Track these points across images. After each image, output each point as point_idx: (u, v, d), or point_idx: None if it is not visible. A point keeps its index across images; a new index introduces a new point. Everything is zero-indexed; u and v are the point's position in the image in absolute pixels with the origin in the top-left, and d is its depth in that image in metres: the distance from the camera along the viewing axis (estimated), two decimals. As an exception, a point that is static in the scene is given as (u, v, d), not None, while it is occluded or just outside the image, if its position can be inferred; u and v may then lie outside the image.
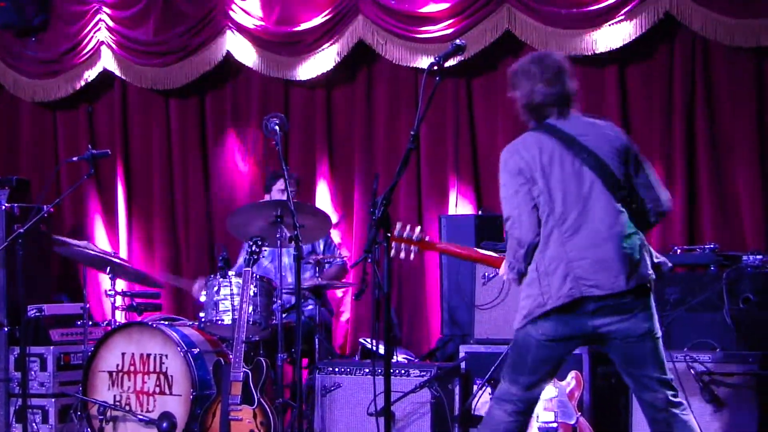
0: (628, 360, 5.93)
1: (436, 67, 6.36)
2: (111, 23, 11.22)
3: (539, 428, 7.37)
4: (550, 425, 7.33)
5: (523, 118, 6.20)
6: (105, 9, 11.23)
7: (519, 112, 6.21)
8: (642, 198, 6.00)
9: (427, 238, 6.59)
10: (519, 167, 5.97)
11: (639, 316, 5.81)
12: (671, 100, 9.32)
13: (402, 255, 6.54)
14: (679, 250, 8.42)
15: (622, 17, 9.15)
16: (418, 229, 6.57)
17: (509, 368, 6.04)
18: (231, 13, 10.60)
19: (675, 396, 5.88)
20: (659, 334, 5.87)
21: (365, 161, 10.31)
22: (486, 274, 8.24)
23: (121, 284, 9.50)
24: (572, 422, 7.33)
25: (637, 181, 6.00)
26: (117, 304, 9.34)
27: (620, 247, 5.78)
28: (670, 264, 5.97)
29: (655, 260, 5.90)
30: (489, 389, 7.92)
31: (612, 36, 9.21)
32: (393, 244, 6.45)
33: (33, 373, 9.72)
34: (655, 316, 5.86)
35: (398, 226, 6.53)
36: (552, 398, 7.37)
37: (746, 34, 8.82)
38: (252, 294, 8.46)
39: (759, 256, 7.98)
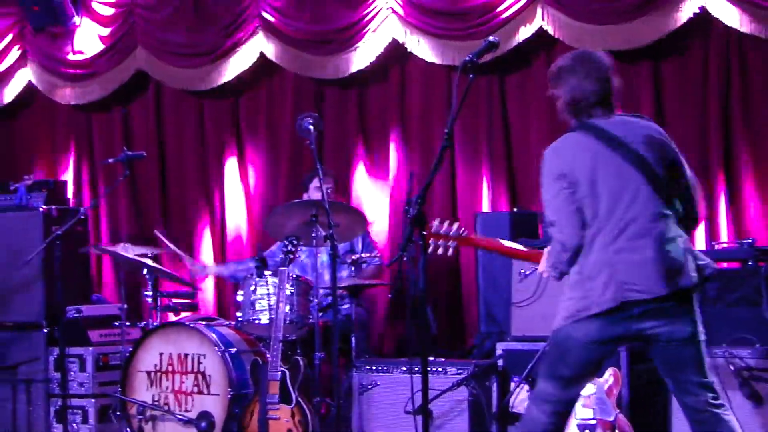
0: (670, 363, 5.88)
1: (469, 65, 6.33)
2: (144, 25, 11.20)
3: (578, 425, 7.33)
4: (589, 422, 7.29)
5: (563, 117, 6.11)
6: (138, 11, 11.21)
7: (560, 111, 6.11)
8: (684, 201, 5.93)
9: (465, 234, 6.47)
10: (561, 170, 5.86)
11: (682, 320, 5.76)
12: (706, 94, 9.22)
13: (440, 251, 6.43)
14: (716, 246, 8.35)
15: (656, 12, 9.09)
16: (456, 225, 6.47)
17: (548, 368, 5.96)
18: (263, 13, 10.57)
19: (716, 398, 5.83)
20: (702, 337, 5.82)
21: (400, 160, 10.27)
22: (522, 271, 8.19)
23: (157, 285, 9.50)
24: (611, 419, 7.30)
25: (679, 184, 5.92)
26: (154, 305, 9.35)
27: (664, 251, 5.70)
28: (714, 267, 5.87)
29: (699, 263, 5.81)
30: (526, 387, 7.87)
31: (645, 31, 9.13)
32: (431, 240, 6.38)
33: (72, 373, 9.76)
34: (699, 320, 5.80)
35: (436, 222, 6.45)
36: (590, 395, 7.32)
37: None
38: (288, 293, 8.45)
39: None
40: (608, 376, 7.38)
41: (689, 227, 5.98)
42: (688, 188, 5.94)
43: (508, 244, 6.73)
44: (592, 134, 5.89)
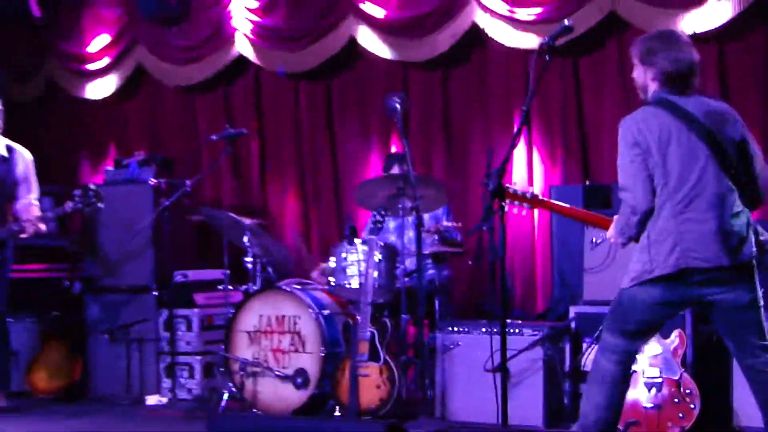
0: (732, 327, 5.92)
1: (546, 47, 6.36)
2: (245, 12, 11.25)
3: (645, 383, 7.35)
4: (656, 380, 7.32)
5: (644, 92, 6.17)
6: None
7: (641, 86, 6.18)
8: (754, 178, 5.93)
9: (538, 196, 6.57)
10: (636, 139, 5.90)
11: (743, 287, 5.78)
12: (767, 68, 9.18)
13: (515, 211, 6.59)
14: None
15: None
16: (531, 188, 6.70)
17: (615, 323, 6.05)
18: (354, 0, 10.58)
19: None
20: (761, 303, 5.82)
21: (480, 136, 10.27)
22: (594, 240, 8.19)
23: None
24: (676, 377, 7.31)
25: (749, 162, 5.93)
26: (254, 271, 9.43)
27: (728, 224, 5.74)
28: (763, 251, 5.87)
29: (761, 238, 5.84)
30: (597, 347, 7.88)
31: (714, 15, 9.04)
32: (508, 200, 6.48)
33: (180, 333, 9.91)
34: (758, 288, 5.81)
35: (514, 184, 6.58)
36: (657, 355, 7.35)
37: None
38: (377, 260, 8.48)
39: None
40: (674, 338, 7.39)
41: (761, 200, 6.01)
42: (754, 170, 5.92)
43: (577, 209, 6.77)
44: (668, 109, 5.92)
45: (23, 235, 9.30)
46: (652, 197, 5.86)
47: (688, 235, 5.78)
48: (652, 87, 6.11)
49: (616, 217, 6.10)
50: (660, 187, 5.87)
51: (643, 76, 6.16)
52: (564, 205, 6.91)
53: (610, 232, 6.20)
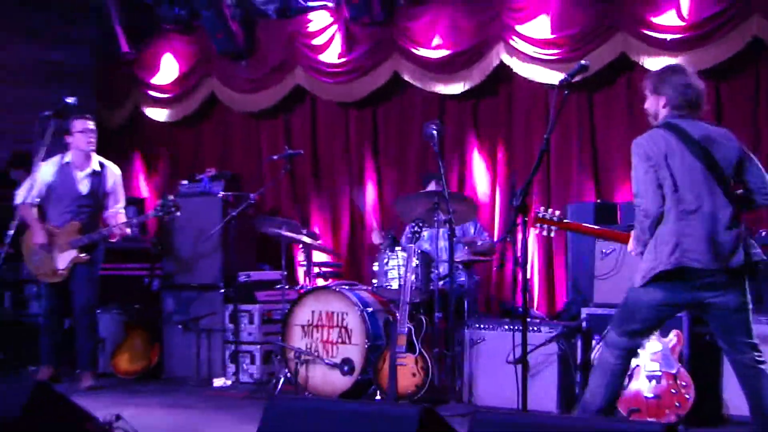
0: (723, 327, 5.98)
1: (564, 83, 6.39)
2: (305, 49, 11.26)
3: (646, 376, 7.32)
4: (655, 373, 7.31)
5: (653, 120, 6.26)
6: (300, 38, 11.29)
7: (652, 113, 6.28)
8: (751, 185, 6.03)
9: (565, 220, 6.67)
10: (648, 154, 6.00)
11: (734, 292, 5.86)
12: (757, 101, 9.13)
13: (544, 233, 6.66)
14: (764, 233, 8.26)
15: (717, 40, 8.97)
16: (557, 212, 6.64)
17: (620, 322, 6.11)
18: (398, 40, 10.58)
19: (760, 356, 5.93)
20: (750, 306, 5.91)
21: (506, 159, 10.23)
22: (604, 251, 8.16)
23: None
24: (673, 371, 7.30)
25: (746, 174, 6.02)
26: (307, 273, 9.44)
27: (721, 236, 5.82)
28: (761, 256, 5.95)
29: (751, 251, 5.90)
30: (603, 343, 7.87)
31: (708, 57, 9.01)
32: (537, 224, 6.62)
33: (243, 325, 9.91)
34: (748, 293, 5.89)
35: (542, 209, 6.65)
36: (657, 352, 7.34)
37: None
38: (414, 265, 8.47)
39: None
40: (672, 337, 7.37)
41: (759, 202, 6.08)
42: (758, 175, 6.04)
43: (599, 228, 6.81)
44: (674, 132, 6.01)
45: (111, 239, 9.40)
46: (662, 203, 5.94)
47: (688, 238, 5.87)
48: (663, 113, 6.20)
49: (633, 231, 6.16)
50: (668, 196, 5.95)
51: (655, 105, 6.25)
52: (587, 225, 7.08)
53: (631, 245, 6.26)
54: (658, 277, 5.90)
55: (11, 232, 9.05)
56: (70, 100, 9.59)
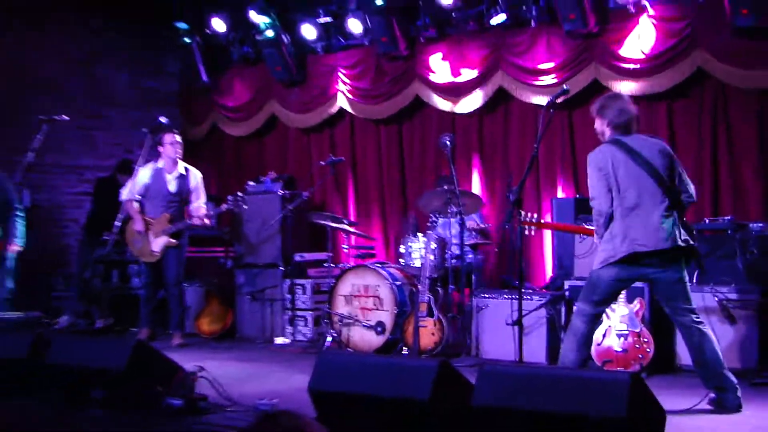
0: (666, 296, 6.13)
1: (550, 104, 6.48)
2: (344, 78, 11.26)
3: (616, 334, 7.32)
4: (624, 332, 7.32)
5: (602, 135, 6.38)
6: (341, 69, 11.28)
7: (600, 132, 6.39)
8: (680, 190, 6.14)
9: (542, 221, 7.08)
10: (599, 165, 6.15)
11: (673, 268, 6.01)
12: (701, 119, 9.09)
13: (527, 232, 6.97)
14: (708, 220, 8.24)
15: (669, 70, 8.96)
16: (535, 215, 6.99)
17: (586, 294, 6.22)
18: (418, 71, 10.58)
19: (698, 317, 6.10)
20: (687, 279, 6.08)
21: (504, 163, 10.23)
22: (581, 237, 8.15)
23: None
24: (637, 330, 7.33)
25: (676, 179, 6.14)
26: (349, 253, 9.45)
27: (659, 224, 5.96)
28: (692, 242, 6.09)
29: (683, 237, 6.03)
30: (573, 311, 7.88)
31: (663, 82, 9.02)
32: (524, 225, 6.94)
33: (298, 295, 9.92)
34: (684, 269, 6.06)
35: (523, 214, 6.93)
36: (624, 315, 7.35)
37: (749, 80, 8.59)
38: (432, 248, 8.49)
39: (760, 224, 7.90)
40: (636, 303, 7.38)
41: (686, 206, 6.21)
42: (684, 182, 6.19)
43: (569, 225, 6.92)
44: (618, 146, 6.16)
45: (194, 226, 9.48)
46: (611, 204, 6.08)
47: (633, 229, 6.00)
48: (607, 132, 6.32)
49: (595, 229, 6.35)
50: (615, 198, 6.08)
51: (601, 125, 6.38)
52: (559, 224, 7.63)
53: (596, 238, 6.37)
54: (614, 262, 6.04)
55: (118, 223, 9.13)
56: (162, 119, 9.68)
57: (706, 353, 6.04)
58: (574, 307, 6.43)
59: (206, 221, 9.60)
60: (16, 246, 9.15)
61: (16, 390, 6.33)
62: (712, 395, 6.03)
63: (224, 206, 9.48)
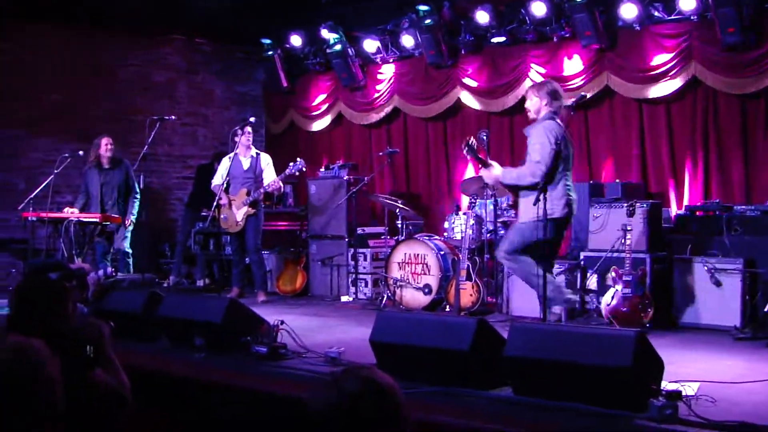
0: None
1: (572, 106, 6.44)
2: (399, 83, 11.25)
3: (622, 296, 7.19)
4: (628, 295, 7.17)
5: (534, 114, 6.73)
6: (397, 76, 11.28)
7: (536, 108, 6.71)
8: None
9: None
10: (556, 137, 6.41)
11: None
12: (695, 120, 8.95)
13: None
14: (700, 203, 8.14)
15: (669, 78, 8.83)
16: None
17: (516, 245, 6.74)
18: (460, 77, 10.53)
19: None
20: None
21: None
22: (595, 215, 8.04)
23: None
24: (640, 294, 7.18)
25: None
26: (402, 227, 9.45)
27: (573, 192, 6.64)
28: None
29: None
30: (595, 276, 7.76)
31: (664, 89, 8.89)
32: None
33: (360, 261, 9.89)
34: None
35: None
36: (629, 280, 7.19)
37: (735, 86, 8.47)
38: (471, 224, 8.44)
39: (743, 207, 7.81)
40: (639, 269, 7.24)
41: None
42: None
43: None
44: (558, 123, 6.54)
45: (269, 191, 9.60)
46: (551, 168, 6.38)
47: (571, 197, 6.48)
48: (544, 110, 6.59)
49: (510, 168, 6.75)
50: (561, 168, 6.39)
51: (538, 104, 6.65)
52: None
53: (498, 170, 6.75)
54: (551, 219, 6.28)
55: (215, 203, 9.22)
56: (251, 118, 9.72)
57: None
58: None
59: (276, 186, 9.51)
60: (129, 221, 9.39)
61: (134, 338, 6.45)
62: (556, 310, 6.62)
63: (287, 170, 9.44)
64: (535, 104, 6.69)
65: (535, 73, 9.80)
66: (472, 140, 6.82)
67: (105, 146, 9.51)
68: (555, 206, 6.40)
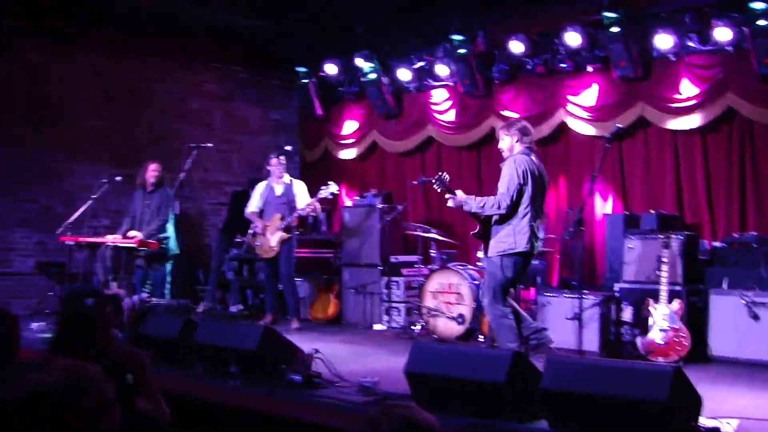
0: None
1: (609, 136, 6.47)
2: (434, 112, 11.30)
3: (659, 330, 7.16)
4: (665, 328, 7.13)
5: (508, 153, 6.73)
6: (431, 105, 11.32)
7: (509, 147, 6.72)
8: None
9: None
10: (525, 172, 6.50)
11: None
12: (730, 150, 8.92)
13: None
14: (736, 235, 8.09)
15: (704, 108, 8.83)
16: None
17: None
18: (494, 107, 10.57)
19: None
20: None
21: (565, 185, 10.21)
22: (629, 246, 8.00)
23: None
24: (677, 327, 7.14)
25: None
26: (436, 256, 9.44)
27: (539, 231, 6.62)
28: None
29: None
30: (630, 308, 7.72)
31: (699, 119, 8.89)
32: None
33: (393, 290, 9.86)
34: None
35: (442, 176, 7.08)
36: (665, 313, 7.15)
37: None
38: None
39: None
40: (675, 304, 7.20)
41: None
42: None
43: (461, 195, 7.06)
44: (531, 159, 6.60)
45: (302, 214, 9.67)
46: (513, 202, 6.45)
47: (535, 233, 6.43)
48: (517, 147, 6.64)
49: (477, 197, 6.76)
50: (526, 201, 6.42)
51: (510, 142, 6.71)
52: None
53: (462, 196, 6.85)
54: (514, 253, 6.42)
55: (251, 231, 9.29)
56: (288, 147, 9.83)
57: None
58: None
59: (308, 209, 9.52)
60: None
61: (170, 363, 6.49)
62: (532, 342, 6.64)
63: (319, 194, 9.49)
64: (507, 143, 6.80)
65: (570, 103, 9.80)
66: (445, 174, 7.08)
67: (150, 171, 9.67)
68: (518, 240, 6.46)
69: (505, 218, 6.52)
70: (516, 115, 10.30)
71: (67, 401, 2.13)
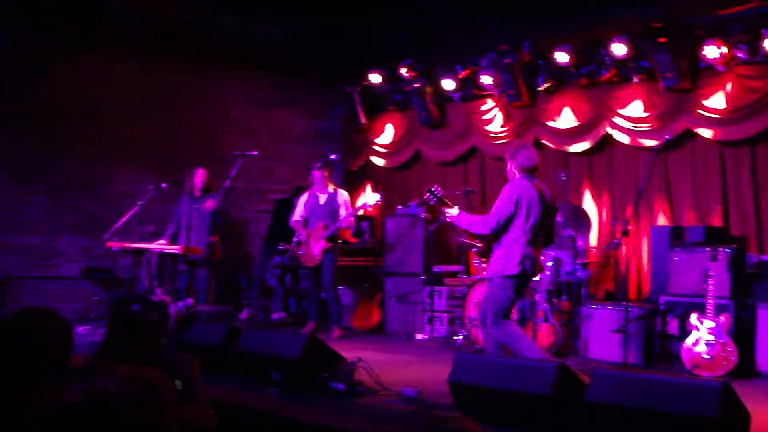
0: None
1: (657, 148, 6.42)
2: (478, 122, 11.27)
3: (705, 343, 7.08)
4: (711, 342, 7.05)
5: (511, 174, 6.67)
6: (475, 115, 11.30)
7: (510, 172, 6.68)
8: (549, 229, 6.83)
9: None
10: (520, 197, 6.41)
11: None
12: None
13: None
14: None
15: (752, 120, 8.71)
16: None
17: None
18: (539, 117, 10.52)
19: None
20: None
21: (608, 196, 10.13)
22: (675, 258, 7.93)
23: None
24: (723, 341, 7.05)
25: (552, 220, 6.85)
26: (480, 266, 9.42)
27: (538, 255, 6.63)
28: None
29: None
30: (676, 321, 7.64)
31: (746, 130, 8.77)
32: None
33: (436, 300, 9.86)
34: None
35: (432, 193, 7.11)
36: (712, 327, 7.07)
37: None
38: (549, 264, 8.38)
39: None
40: (722, 318, 7.11)
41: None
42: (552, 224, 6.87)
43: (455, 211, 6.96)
44: (531, 184, 6.49)
45: (343, 226, 9.70)
46: (503, 228, 6.41)
47: (529, 256, 6.33)
48: (518, 173, 6.58)
49: (469, 215, 6.74)
50: (521, 225, 6.34)
51: (510, 168, 6.68)
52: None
53: (454, 211, 6.77)
54: (505, 276, 6.36)
55: (295, 239, 9.35)
56: (333, 156, 9.91)
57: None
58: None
59: (350, 220, 9.69)
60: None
61: (213, 370, 6.55)
62: None
63: (362, 203, 9.56)
64: (510, 168, 6.75)
65: (616, 114, 9.73)
66: (437, 188, 7.08)
67: (198, 177, 9.82)
68: (508, 264, 6.39)
69: (501, 240, 6.48)
70: (561, 126, 10.30)
71: (130, 406, 2.16)
